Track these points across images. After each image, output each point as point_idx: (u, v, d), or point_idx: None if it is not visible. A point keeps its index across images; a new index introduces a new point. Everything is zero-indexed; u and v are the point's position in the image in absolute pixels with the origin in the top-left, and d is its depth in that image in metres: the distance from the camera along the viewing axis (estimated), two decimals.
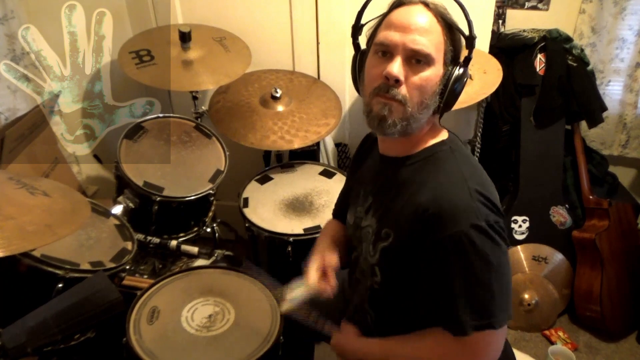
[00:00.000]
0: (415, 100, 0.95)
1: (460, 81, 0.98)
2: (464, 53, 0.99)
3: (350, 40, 1.06)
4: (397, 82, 0.94)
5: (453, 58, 0.98)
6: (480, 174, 1.01)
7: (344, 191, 1.37)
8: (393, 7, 0.99)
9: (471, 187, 0.94)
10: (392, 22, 0.96)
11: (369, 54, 1.02)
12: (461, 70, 0.97)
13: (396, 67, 0.93)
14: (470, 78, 1.79)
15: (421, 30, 0.94)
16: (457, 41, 0.98)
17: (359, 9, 1.04)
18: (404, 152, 1.05)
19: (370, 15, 1.03)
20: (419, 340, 1.01)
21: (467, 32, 0.97)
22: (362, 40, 1.06)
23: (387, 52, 0.96)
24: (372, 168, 1.15)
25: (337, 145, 2.24)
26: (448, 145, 1.03)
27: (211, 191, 1.77)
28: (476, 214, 0.91)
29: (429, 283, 0.96)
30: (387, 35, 0.96)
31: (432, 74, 0.95)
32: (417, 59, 0.94)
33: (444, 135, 1.06)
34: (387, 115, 0.96)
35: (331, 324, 1.17)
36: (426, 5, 0.96)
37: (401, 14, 0.96)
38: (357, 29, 1.05)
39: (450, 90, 0.97)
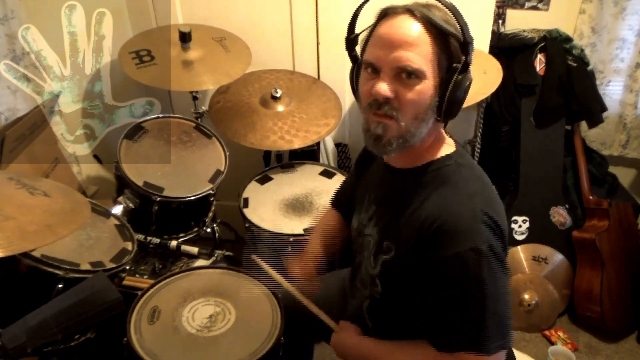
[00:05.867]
0: (409, 116, 0.92)
1: (461, 88, 0.92)
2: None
3: None
4: (387, 99, 0.91)
5: (449, 65, 0.92)
6: (487, 190, 0.98)
7: (346, 185, 1.36)
8: (379, 19, 0.95)
9: (476, 206, 0.91)
10: (377, 37, 0.93)
11: (361, 68, 0.98)
12: (460, 76, 0.91)
13: (383, 86, 0.90)
14: None
15: (406, 44, 0.89)
16: (452, 46, 0.91)
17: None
18: (408, 164, 1.02)
19: (366, 20, 0.99)
20: (413, 347, 1.01)
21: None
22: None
23: (375, 69, 0.93)
24: (377, 175, 1.13)
25: (337, 145, 2.24)
26: (454, 159, 1.00)
27: (211, 191, 1.77)
28: (478, 236, 0.89)
29: (424, 298, 0.95)
30: (373, 53, 0.93)
31: (425, 87, 0.91)
32: (407, 73, 0.90)
33: (449, 148, 1.02)
34: (382, 134, 0.94)
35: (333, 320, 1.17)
36: (412, 13, 0.90)
37: (385, 28, 0.92)
38: (349, 41, 1.02)
39: (449, 99, 0.92)
